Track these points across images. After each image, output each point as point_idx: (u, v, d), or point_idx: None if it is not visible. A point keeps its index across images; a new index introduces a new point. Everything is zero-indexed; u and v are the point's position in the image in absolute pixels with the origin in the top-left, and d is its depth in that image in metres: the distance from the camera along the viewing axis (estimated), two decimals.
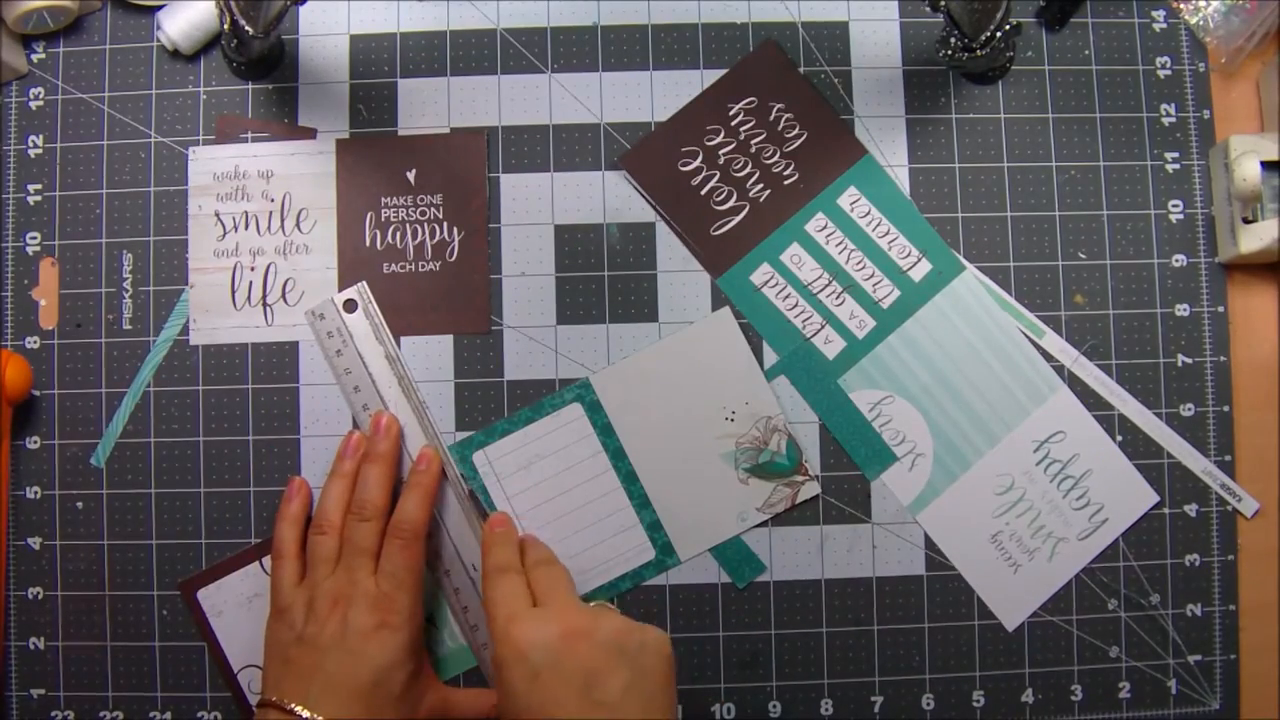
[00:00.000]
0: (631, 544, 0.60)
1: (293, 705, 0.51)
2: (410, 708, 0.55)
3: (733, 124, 0.62)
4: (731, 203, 0.62)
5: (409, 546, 0.56)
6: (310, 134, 0.62)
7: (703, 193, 0.62)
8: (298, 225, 0.62)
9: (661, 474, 0.60)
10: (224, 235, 0.62)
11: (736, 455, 0.60)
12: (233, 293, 0.62)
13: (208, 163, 0.62)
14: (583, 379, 0.60)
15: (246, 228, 0.62)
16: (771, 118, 0.62)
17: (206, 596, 0.60)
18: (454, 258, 0.62)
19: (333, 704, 0.51)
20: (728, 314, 0.61)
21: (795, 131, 0.62)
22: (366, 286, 0.61)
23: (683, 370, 0.60)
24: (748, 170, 0.61)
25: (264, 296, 0.62)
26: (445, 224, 0.62)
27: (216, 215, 0.62)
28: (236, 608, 0.60)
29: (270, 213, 0.62)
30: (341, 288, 0.62)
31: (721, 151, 0.62)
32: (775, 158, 0.62)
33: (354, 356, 0.60)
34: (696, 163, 0.61)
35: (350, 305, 0.61)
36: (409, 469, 0.59)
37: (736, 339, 0.61)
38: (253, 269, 0.62)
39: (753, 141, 0.61)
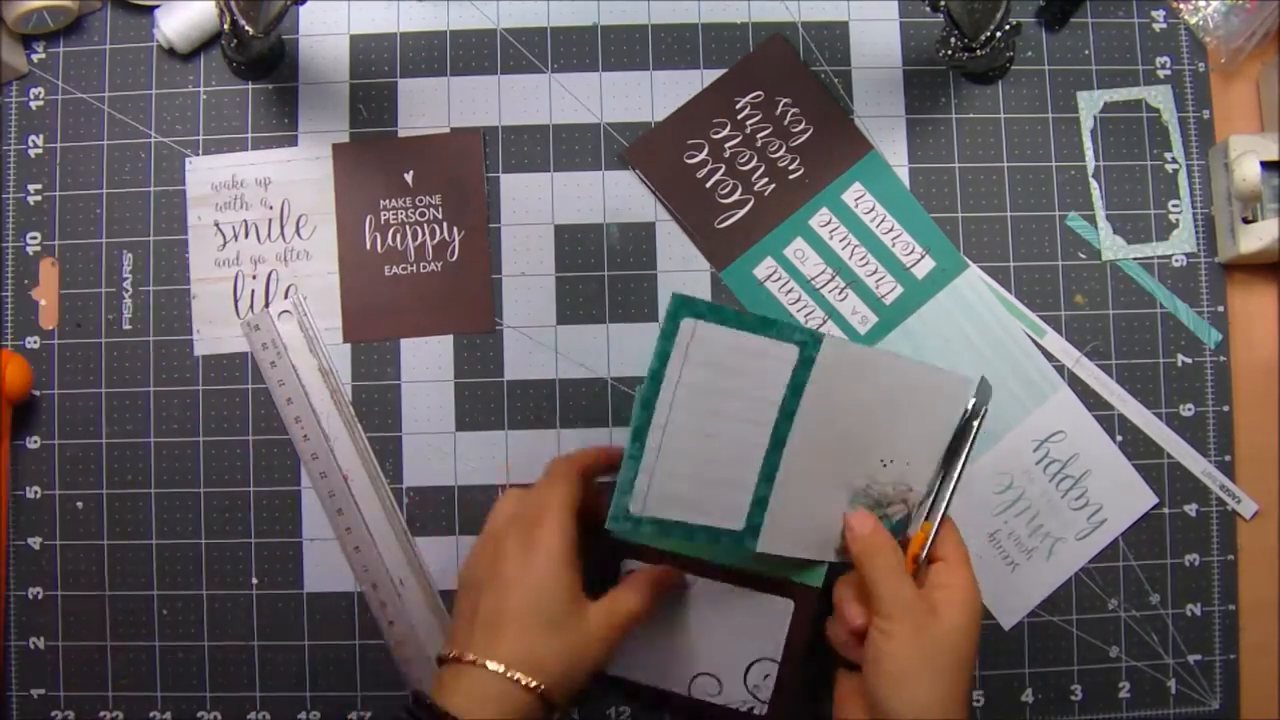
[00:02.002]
0: (731, 503, 0.53)
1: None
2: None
3: (739, 118, 0.62)
4: (736, 196, 0.62)
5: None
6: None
7: (707, 186, 0.62)
8: (297, 231, 0.62)
9: (801, 461, 0.53)
10: (224, 245, 0.62)
11: (857, 495, 0.55)
12: (235, 301, 0.62)
13: (205, 172, 0.62)
14: (822, 334, 0.52)
15: (246, 236, 0.62)
16: (778, 112, 0.62)
17: None
18: (455, 258, 0.62)
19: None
20: (968, 387, 0.55)
21: (801, 126, 0.62)
22: (303, 298, 0.61)
23: (909, 402, 0.54)
24: (753, 164, 0.62)
25: (266, 304, 0.62)
26: (445, 224, 0.62)
27: (216, 225, 0.62)
28: None
29: (270, 220, 0.62)
30: (343, 292, 0.62)
31: (727, 145, 0.62)
32: (780, 152, 0.62)
33: (288, 368, 0.60)
34: (701, 155, 0.62)
35: (285, 316, 0.61)
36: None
37: (955, 412, 0.55)
38: (254, 277, 0.62)
39: (758, 136, 0.62)
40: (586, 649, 0.50)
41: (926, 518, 0.53)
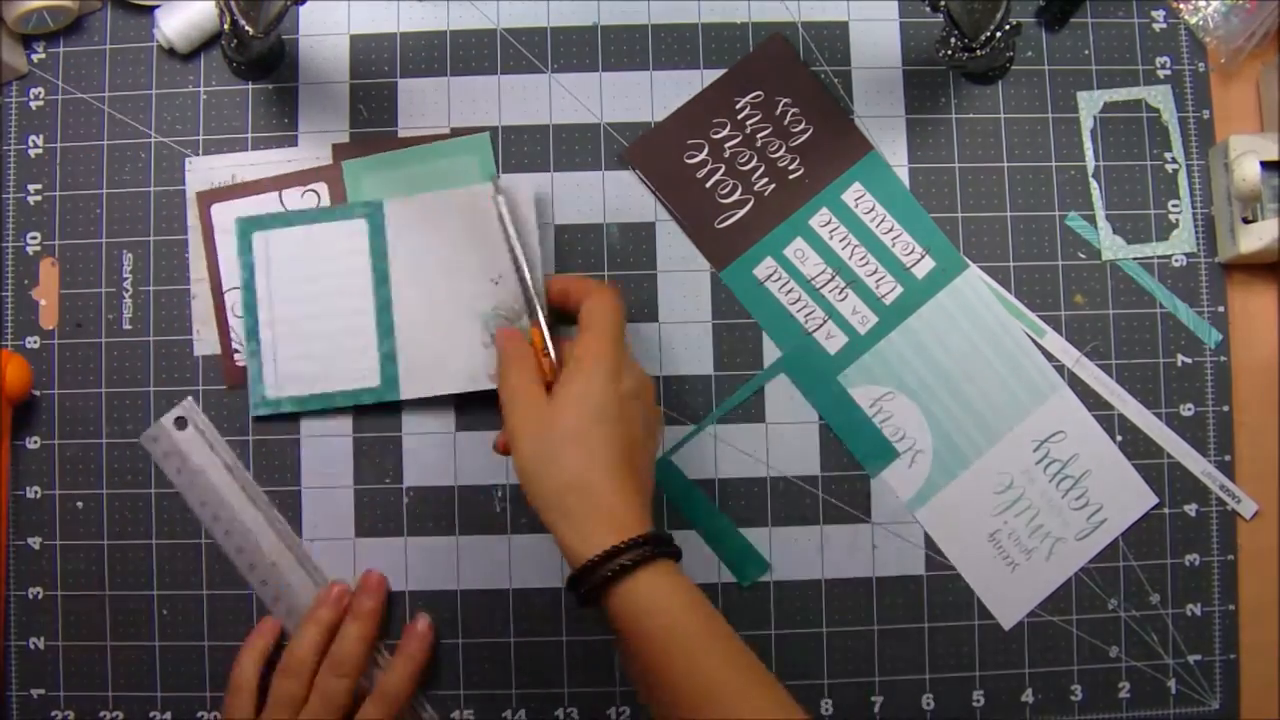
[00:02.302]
0: (362, 365, 0.61)
1: None
2: None
3: (739, 118, 0.62)
4: (736, 196, 0.62)
5: (388, 717, 0.56)
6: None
7: (707, 186, 0.62)
8: None
9: (414, 312, 0.60)
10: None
11: (489, 318, 0.60)
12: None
13: (205, 172, 0.62)
14: (380, 201, 0.61)
15: None
16: (778, 112, 0.62)
17: None
18: None
19: None
20: (528, 186, 0.61)
21: (801, 126, 0.62)
22: (193, 401, 0.61)
23: (471, 223, 0.60)
24: (753, 164, 0.62)
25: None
26: None
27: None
28: None
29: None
30: None
31: (727, 145, 0.62)
32: (780, 152, 0.62)
33: (192, 472, 0.61)
34: (701, 155, 0.62)
35: (181, 423, 0.61)
36: (356, 600, 0.59)
37: (528, 212, 0.60)
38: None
39: (758, 135, 0.62)
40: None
41: (531, 317, 0.56)
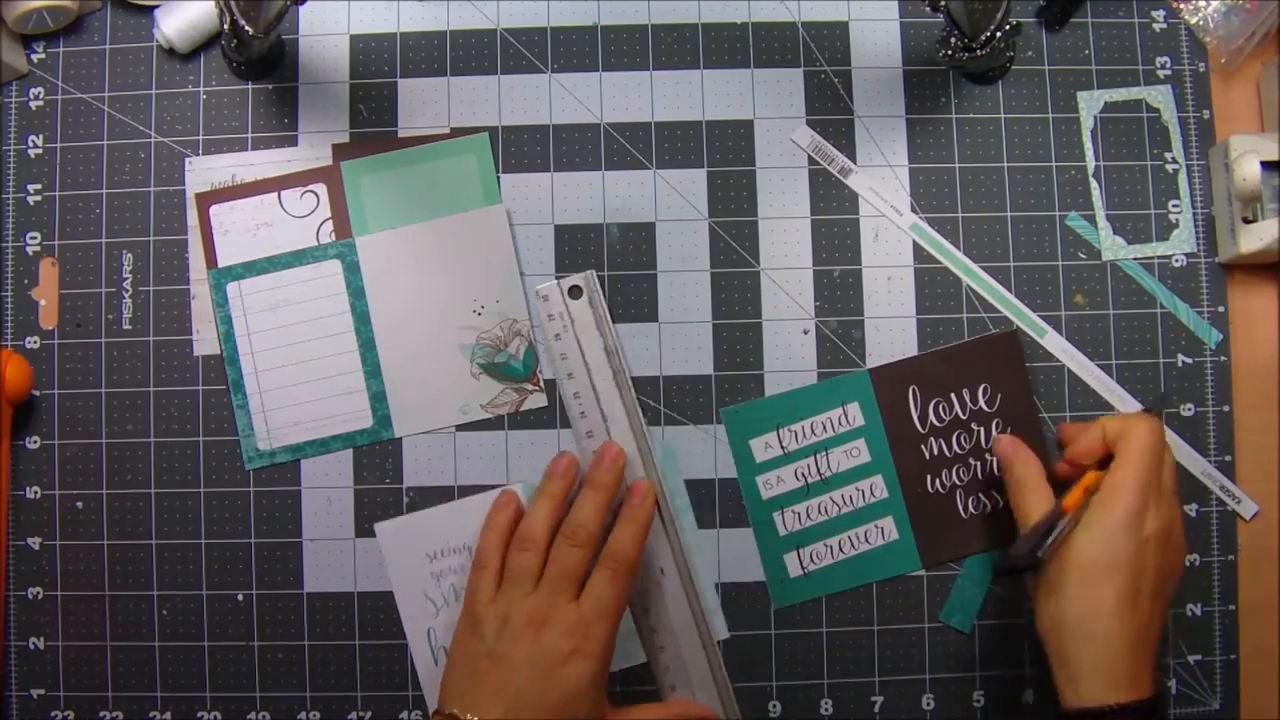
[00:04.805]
0: (353, 408, 0.61)
1: (471, 718, 0.50)
2: None
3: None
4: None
5: (618, 578, 0.55)
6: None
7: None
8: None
9: (399, 349, 0.61)
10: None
11: (475, 350, 0.61)
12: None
13: (204, 172, 0.62)
14: (350, 240, 0.61)
15: None
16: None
17: None
18: None
19: None
20: (501, 210, 0.61)
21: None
22: (594, 275, 0.61)
23: (445, 253, 0.61)
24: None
25: None
26: None
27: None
28: None
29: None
30: None
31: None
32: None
33: (572, 343, 0.60)
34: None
35: (575, 291, 0.61)
36: (624, 494, 0.58)
37: (504, 236, 0.61)
38: None
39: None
40: None
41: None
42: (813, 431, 0.60)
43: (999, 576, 0.54)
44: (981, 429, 0.57)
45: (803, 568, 0.59)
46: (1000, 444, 0.55)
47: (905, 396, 0.59)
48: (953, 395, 0.58)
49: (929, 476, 0.58)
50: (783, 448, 0.60)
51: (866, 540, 0.58)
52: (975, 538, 0.59)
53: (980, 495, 0.57)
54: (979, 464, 0.57)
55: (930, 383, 0.59)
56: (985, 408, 0.57)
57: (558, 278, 0.62)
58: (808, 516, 0.60)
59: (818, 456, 0.60)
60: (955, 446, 0.57)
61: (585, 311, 0.60)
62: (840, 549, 0.59)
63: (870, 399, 0.59)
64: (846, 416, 0.59)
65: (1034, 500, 0.53)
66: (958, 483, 0.57)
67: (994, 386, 0.57)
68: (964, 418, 0.57)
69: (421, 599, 0.60)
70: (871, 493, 0.59)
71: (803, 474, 0.60)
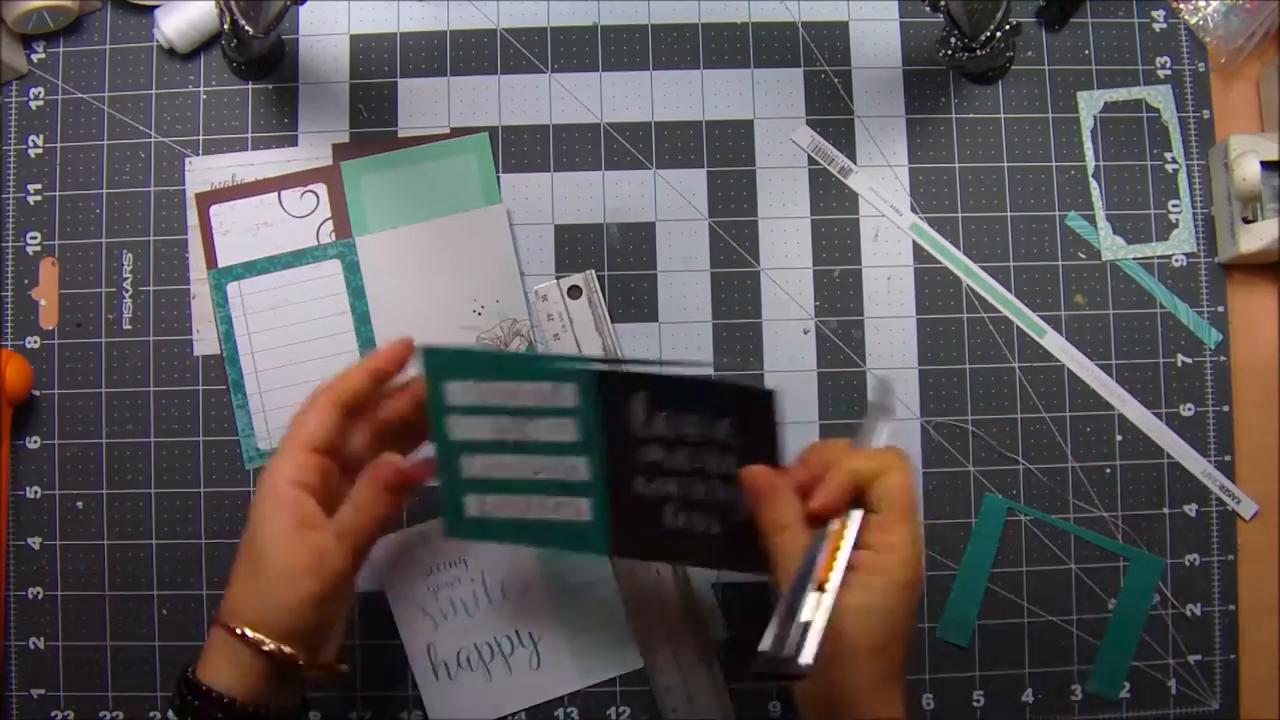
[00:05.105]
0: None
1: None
2: None
3: None
4: None
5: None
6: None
7: None
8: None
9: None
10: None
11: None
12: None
13: (204, 172, 0.62)
14: (350, 239, 0.61)
15: None
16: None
17: None
18: None
19: None
20: (501, 210, 0.61)
21: None
22: (593, 275, 0.61)
23: (445, 253, 0.61)
24: None
25: None
26: None
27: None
28: None
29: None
30: None
31: None
32: None
33: (571, 343, 0.60)
34: None
35: (574, 291, 0.61)
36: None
37: (504, 236, 0.61)
38: None
39: None
40: (297, 588, 0.47)
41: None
42: (518, 395, 0.52)
43: (759, 679, 0.44)
44: (713, 457, 0.50)
45: (482, 510, 0.54)
46: (754, 477, 0.48)
47: (631, 399, 0.51)
48: (685, 417, 0.50)
49: (641, 478, 0.51)
50: (481, 398, 0.53)
51: (556, 510, 0.53)
52: (671, 549, 0.53)
53: (688, 514, 0.51)
54: (701, 485, 0.50)
55: (665, 399, 0.50)
56: (725, 439, 0.49)
57: (557, 278, 0.62)
58: (498, 469, 0.54)
59: (520, 419, 0.52)
60: (679, 461, 0.50)
61: (584, 311, 0.60)
62: (527, 508, 0.53)
63: (589, 386, 0.51)
64: (561, 394, 0.52)
65: (792, 552, 0.45)
66: (670, 494, 0.51)
67: (740, 432, 0.49)
68: (695, 440, 0.50)
69: (419, 614, 0.60)
70: (573, 472, 0.52)
71: (501, 429, 0.53)
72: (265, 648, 0.47)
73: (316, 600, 0.48)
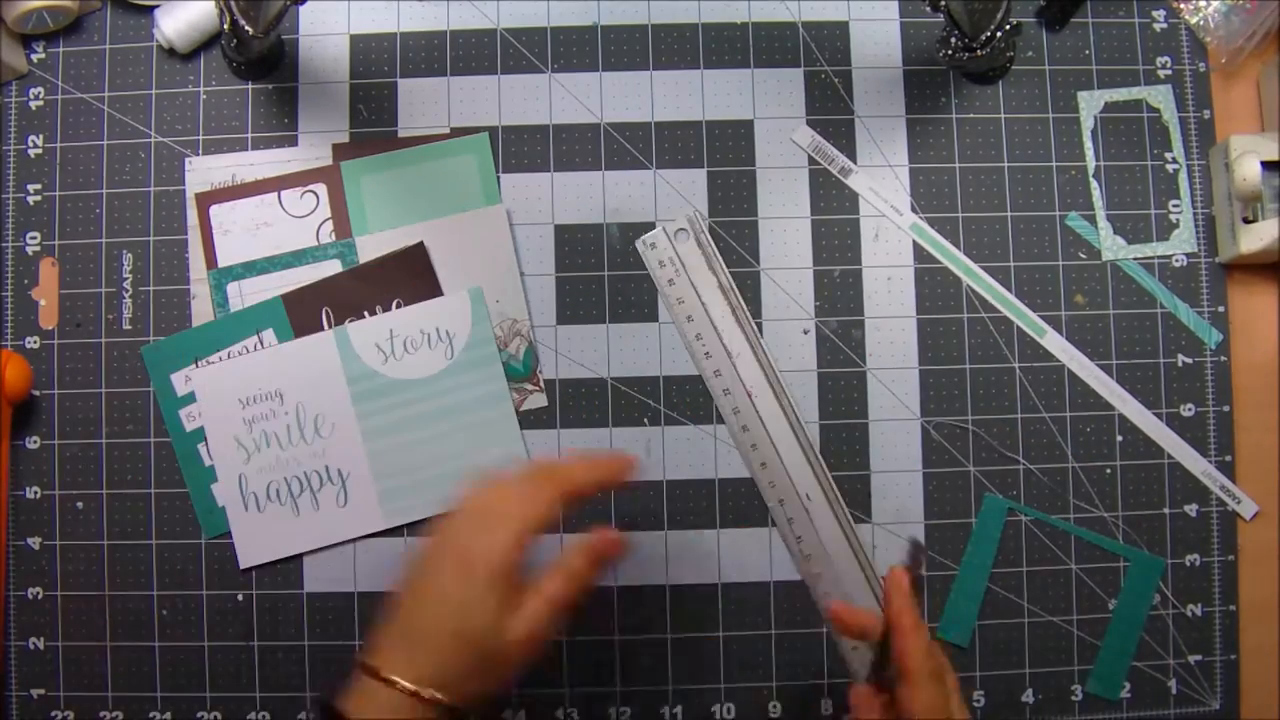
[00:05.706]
0: None
1: None
2: None
3: None
4: None
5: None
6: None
7: None
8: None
9: None
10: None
11: None
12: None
13: (204, 172, 0.62)
14: (350, 240, 0.61)
15: None
16: None
17: None
18: None
19: None
20: (501, 210, 0.61)
21: None
22: (698, 214, 0.61)
23: (445, 253, 0.61)
24: None
25: None
26: None
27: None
28: None
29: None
30: None
31: None
32: None
33: (686, 286, 0.60)
34: None
35: (682, 234, 0.61)
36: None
37: (504, 236, 0.61)
38: None
39: None
40: (504, 662, 0.48)
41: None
42: (230, 358, 0.60)
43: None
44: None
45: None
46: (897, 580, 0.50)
47: (319, 317, 0.60)
48: (365, 313, 0.59)
49: None
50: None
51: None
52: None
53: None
54: None
55: (343, 303, 0.60)
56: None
57: (661, 222, 0.61)
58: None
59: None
60: None
61: (695, 252, 0.60)
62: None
63: (285, 323, 0.60)
64: (262, 343, 0.60)
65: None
66: None
67: (406, 301, 0.59)
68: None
69: (233, 444, 0.60)
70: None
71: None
72: (440, 699, 0.46)
73: (524, 669, 0.48)
